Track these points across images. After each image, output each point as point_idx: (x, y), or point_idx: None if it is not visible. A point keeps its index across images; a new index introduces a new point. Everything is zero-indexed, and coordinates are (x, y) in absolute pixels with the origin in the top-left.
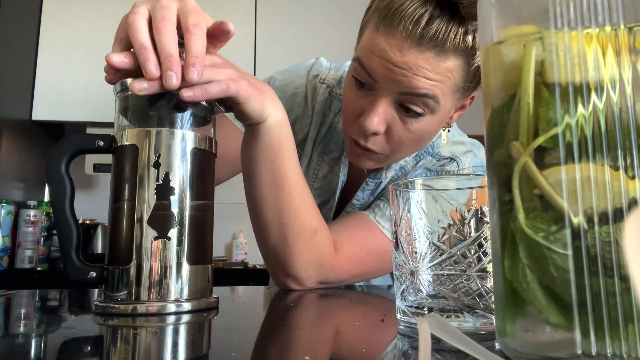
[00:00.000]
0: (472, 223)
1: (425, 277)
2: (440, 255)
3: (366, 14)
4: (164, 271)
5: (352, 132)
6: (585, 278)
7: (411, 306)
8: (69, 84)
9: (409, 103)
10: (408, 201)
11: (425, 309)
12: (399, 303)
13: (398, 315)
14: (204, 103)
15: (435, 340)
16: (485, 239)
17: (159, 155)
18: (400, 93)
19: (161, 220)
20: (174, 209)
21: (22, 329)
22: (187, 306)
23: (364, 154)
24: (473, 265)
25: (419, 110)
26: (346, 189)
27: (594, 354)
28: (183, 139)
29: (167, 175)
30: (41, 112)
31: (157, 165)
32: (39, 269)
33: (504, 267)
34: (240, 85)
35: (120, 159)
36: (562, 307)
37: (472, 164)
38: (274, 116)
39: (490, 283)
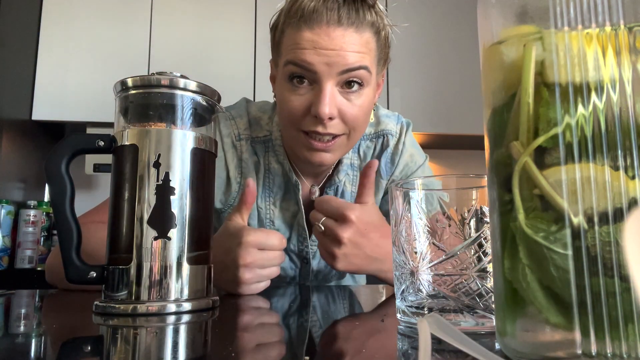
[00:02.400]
0: (472, 223)
1: (425, 277)
2: (440, 255)
3: (276, 27)
4: (164, 271)
5: (306, 125)
6: (585, 278)
7: (411, 306)
8: (69, 84)
9: (349, 80)
10: (408, 201)
11: (425, 309)
12: (399, 303)
13: (398, 315)
14: (204, 103)
15: (435, 340)
16: (485, 239)
17: (159, 155)
18: (339, 73)
19: (161, 220)
20: (174, 209)
21: (22, 329)
22: (187, 306)
23: (324, 147)
24: (473, 265)
25: (359, 81)
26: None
27: (594, 354)
28: (183, 139)
29: (167, 175)
30: (41, 112)
31: (157, 165)
32: (39, 269)
33: (504, 267)
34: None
35: (121, 159)
36: (562, 307)
37: (398, 121)
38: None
39: (490, 283)
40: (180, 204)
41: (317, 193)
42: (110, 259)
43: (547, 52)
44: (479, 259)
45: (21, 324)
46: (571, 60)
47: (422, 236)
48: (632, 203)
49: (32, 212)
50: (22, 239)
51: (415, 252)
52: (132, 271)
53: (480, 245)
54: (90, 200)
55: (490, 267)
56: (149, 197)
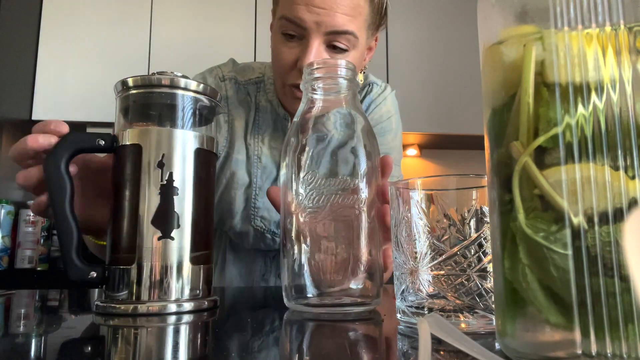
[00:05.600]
0: (472, 223)
1: (425, 277)
2: (440, 255)
3: None
4: (166, 271)
5: (291, 78)
6: (585, 278)
7: (411, 306)
8: (69, 84)
9: (335, 42)
10: (408, 201)
11: (425, 309)
12: (399, 303)
13: (398, 315)
14: (206, 102)
15: (435, 340)
16: (485, 239)
17: (163, 155)
18: (326, 33)
19: (165, 220)
20: (178, 209)
21: (22, 329)
22: (187, 306)
23: None
24: (473, 265)
25: (344, 46)
26: None
27: (594, 354)
28: (187, 139)
29: (170, 175)
30: (41, 112)
31: (161, 165)
32: (39, 269)
33: (504, 267)
34: None
35: (123, 159)
36: (562, 307)
37: (388, 88)
38: None
39: (490, 283)
40: (184, 204)
41: None
42: (111, 259)
43: (547, 52)
44: (479, 259)
45: (22, 324)
46: (571, 60)
47: (422, 236)
48: (632, 203)
49: (32, 212)
50: (22, 239)
51: (415, 252)
52: (133, 271)
53: (480, 245)
54: None
55: (490, 267)
56: (153, 197)
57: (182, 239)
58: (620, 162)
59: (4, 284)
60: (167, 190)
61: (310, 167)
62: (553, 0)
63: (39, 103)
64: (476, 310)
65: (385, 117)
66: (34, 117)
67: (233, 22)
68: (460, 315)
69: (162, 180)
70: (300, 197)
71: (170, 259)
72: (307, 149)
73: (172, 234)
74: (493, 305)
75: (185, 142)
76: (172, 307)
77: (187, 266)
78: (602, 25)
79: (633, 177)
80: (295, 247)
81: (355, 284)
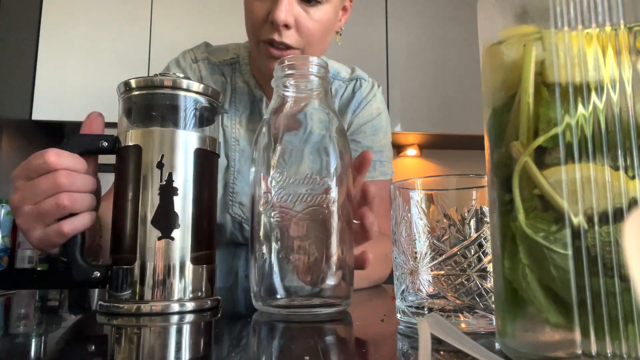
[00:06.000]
0: (472, 223)
1: (425, 277)
2: (440, 255)
3: None
4: (168, 271)
5: (264, 33)
6: (585, 278)
7: (411, 306)
8: (69, 84)
9: None
10: (408, 201)
11: (425, 309)
12: (399, 303)
13: (398, 315)
14: (208, 103)
15: (435, 340)
16: (485, 239)
17: (162, 155)
18: None
19: (165, 220)
20: (178, 209)
21: (22, 329)
22: (190, 306)
23: (279, 54)
24: (473, 265)
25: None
26: None
27: (594, 354)
28: (186, 140)
29: (170, 175)
30: (41, 112)
31: (160, 165)
32: (39, 269)
33: (504, 267)
34: None
35: (124, 160)
36: (562, 307)
37: (375, 84)
38: None
39: (490, 283)
40: (184, 204)
41: None
42: (114, 259)
43: (547, 52)
44: (479, 259)
45: (26, 324)
46: (571, 60)
47: (422, 236)
48: (632, 203)
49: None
50: (22, 239)
51: (415, 252)
52: (136, 271)
53: (480, 245)
54: None
55: (490, 267)
56: (153, 198)
57: (183, 239)
58: (620, 162)
59: (4, 284)
60: (167, 191)
61: (280, 166)
62: (553, 0)
63: (39, 103)
64: (476, 310)
65: (376, 113)
66: (34, 117)
67: (233, 22)
68: (460, 315)
69: (161, 181)
70: (270, 196)
71: (171, 259)
72: (277, 146)
73: (173, 234)
74: (493, 305)
75: (185, 143)
76: (175, 307)
77: (188, 266)
78: (602, 25)
79: (633, 177)
80: (264, 247)
81: (325, 285)
